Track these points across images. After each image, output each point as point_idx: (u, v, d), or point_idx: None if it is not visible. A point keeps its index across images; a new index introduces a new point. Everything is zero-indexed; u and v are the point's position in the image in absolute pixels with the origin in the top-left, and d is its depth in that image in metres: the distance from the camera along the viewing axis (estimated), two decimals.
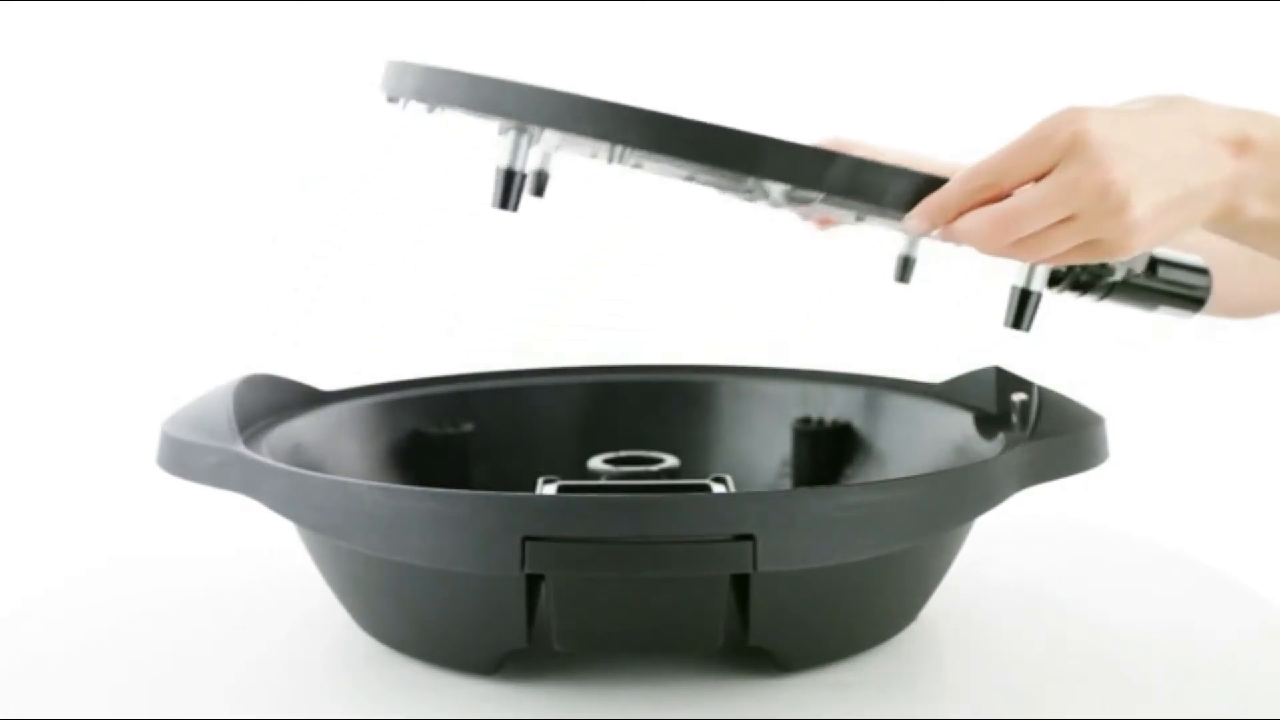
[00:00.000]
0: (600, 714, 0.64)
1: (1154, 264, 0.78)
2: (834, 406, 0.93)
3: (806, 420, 0.93)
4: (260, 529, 0.87)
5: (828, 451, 0.92)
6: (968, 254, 0.91)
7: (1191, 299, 0.80)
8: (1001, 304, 0.81)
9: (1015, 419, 0.78)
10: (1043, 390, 0.78)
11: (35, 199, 1.78)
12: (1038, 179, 0.58)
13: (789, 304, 1.78)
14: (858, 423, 0.92)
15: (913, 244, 0.88)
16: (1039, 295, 0.65)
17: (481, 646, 0.67)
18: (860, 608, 0.69)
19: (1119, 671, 0.70)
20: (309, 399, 0.88)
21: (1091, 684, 0.68)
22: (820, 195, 0.61)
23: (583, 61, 1.77)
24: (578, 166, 0.80)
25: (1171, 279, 0.79)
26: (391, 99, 0.70)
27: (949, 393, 0.89)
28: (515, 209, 0.67)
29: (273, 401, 0.84)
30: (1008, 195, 0.59)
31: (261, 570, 0.86)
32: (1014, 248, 0.59)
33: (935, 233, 0.61)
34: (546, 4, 1.78)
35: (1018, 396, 0.78)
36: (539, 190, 0.79)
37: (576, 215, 1.82)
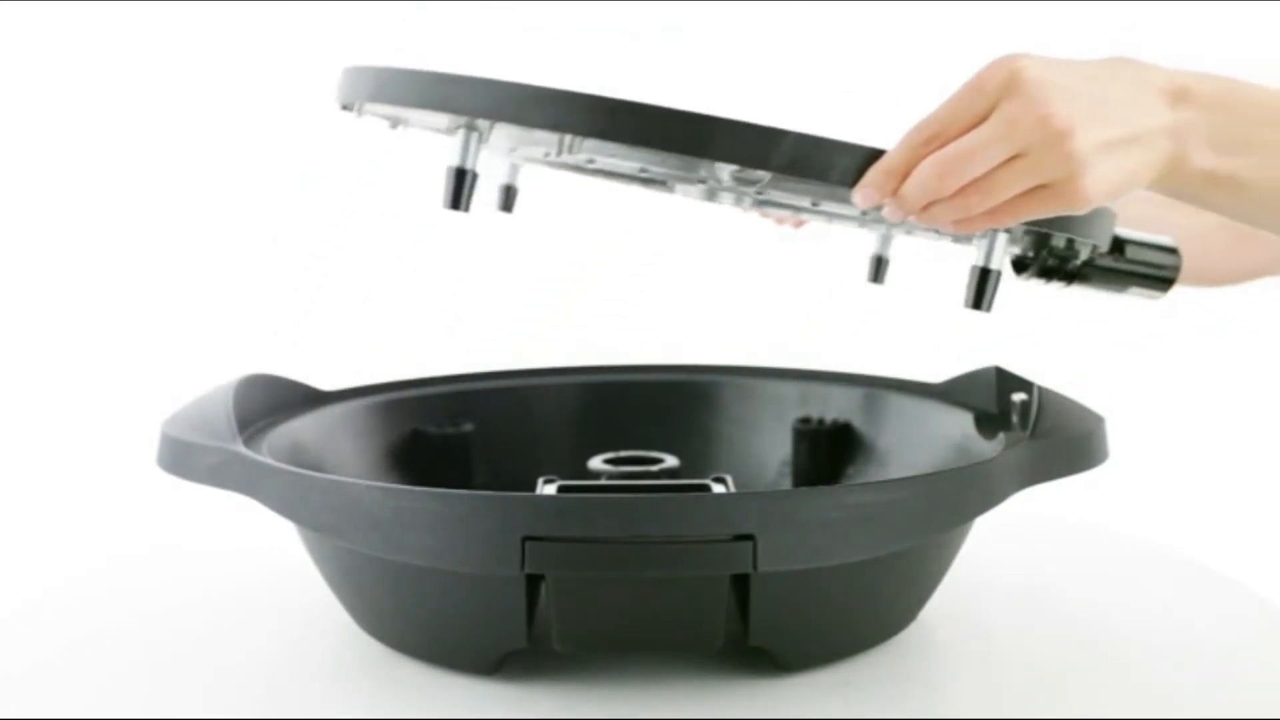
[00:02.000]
0: (600, 714, 0.64)
1: (1121, 244, 0.78)
2: (834, 406, 0.93)
3: (806, 420, 0.93)
4: (260, 529, 0.87)
5: (828, 451, 0.92)
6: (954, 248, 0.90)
7: (1160, 279, 0.79)
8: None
9: (1015, 419, 0.78)
10: (1043, 390, 0.78)
11: (35, 199, 1.78)
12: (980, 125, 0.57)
13: (789, 304, 1.78)
14: (858, 423, 0.92)
15: (885, 243, 0.88)
16: (998, 274, 0.64)
17: (481, 646, 0.67)
18: (860, 608, 0.69)
19: (1119, 671, 0.70)
20: (309, 399, 0.88)
21: (1091, 684, 0.68)
22: (767, 175, 0.60)
23: (574, 69, 1.78)
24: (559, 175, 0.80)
25: (1140, 259, 0.78)
26: (345, 106, 0.70)
27: (949, 393, 0.89)
28: (466, 209, 0.67)
29: (273, 401, 0.84)
30: None
31: (261, 570, 0.86)
32: (964, 195, 0.58)
33: (887, 211, 0.59)
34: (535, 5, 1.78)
35: (1018, 396, 0.78)
36: (508, 205, 0.79)
37: (577, 215, 1.82)
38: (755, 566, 0.60)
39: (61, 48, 1.74)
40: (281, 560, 0.83)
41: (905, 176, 0.58)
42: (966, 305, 0.64)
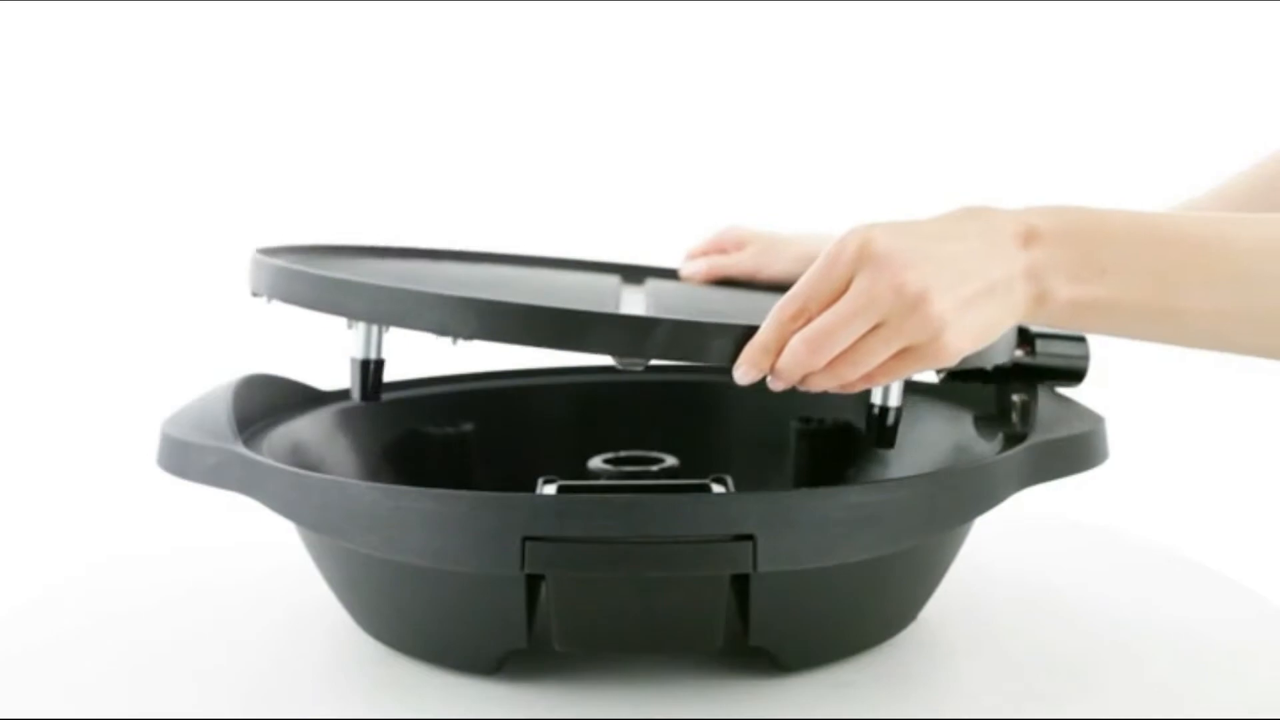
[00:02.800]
0: (600, 714, 0.64)
1: (1031, 339, 0.80)
2: (834, 406, 0.93)
3: (807, 420, 0.93)
4: (260, 529, 0.87)
5: (828, 451, 0.92)
6: None
7: (1073, 371, 0.81)
8: None
9: (1015, 419, 0.77)
10: (1043, 390, 0.78)
11: (35, 199, 1.78)
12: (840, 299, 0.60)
13: None
14: (859, 423, 0.92)
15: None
16: (898, 410, 0.68)
17: (481, 646, 0.67)
18: (860, 608, 0.69)
19: (1119, 671, 0.70)
20: (309, 399, 0.88)
21: (1091, 684, 0.68)
22: (645, 360, 0.63)
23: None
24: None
25: (1051, 352, 0.81)
26: (255, 294, 0.74)
27: (949, 393, 0.89)
28: (377, 399, 0.73)
29: (273, 401, 0.84)
30: None
31: (261, 570, 0.86)
32: (836, 366, 0.60)
33: (769, 383, 0.62)
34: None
35: (1018, 396, 0.78)
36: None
37: (576, 214, 1.82)
38: (755, 566, 0.60)
39: (62, 48, 1.74)
40: (281, 560, 0.83)
41: (779, 352, 0.61)
42: (874, 445, 0.68)
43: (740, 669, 0.68)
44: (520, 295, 0.73)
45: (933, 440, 0.85)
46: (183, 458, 0.73)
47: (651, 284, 0.98)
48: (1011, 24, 1.76)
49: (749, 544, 0.60)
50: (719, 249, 1.04)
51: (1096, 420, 0.76)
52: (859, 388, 0.62)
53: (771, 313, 0.61)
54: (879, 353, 0.60)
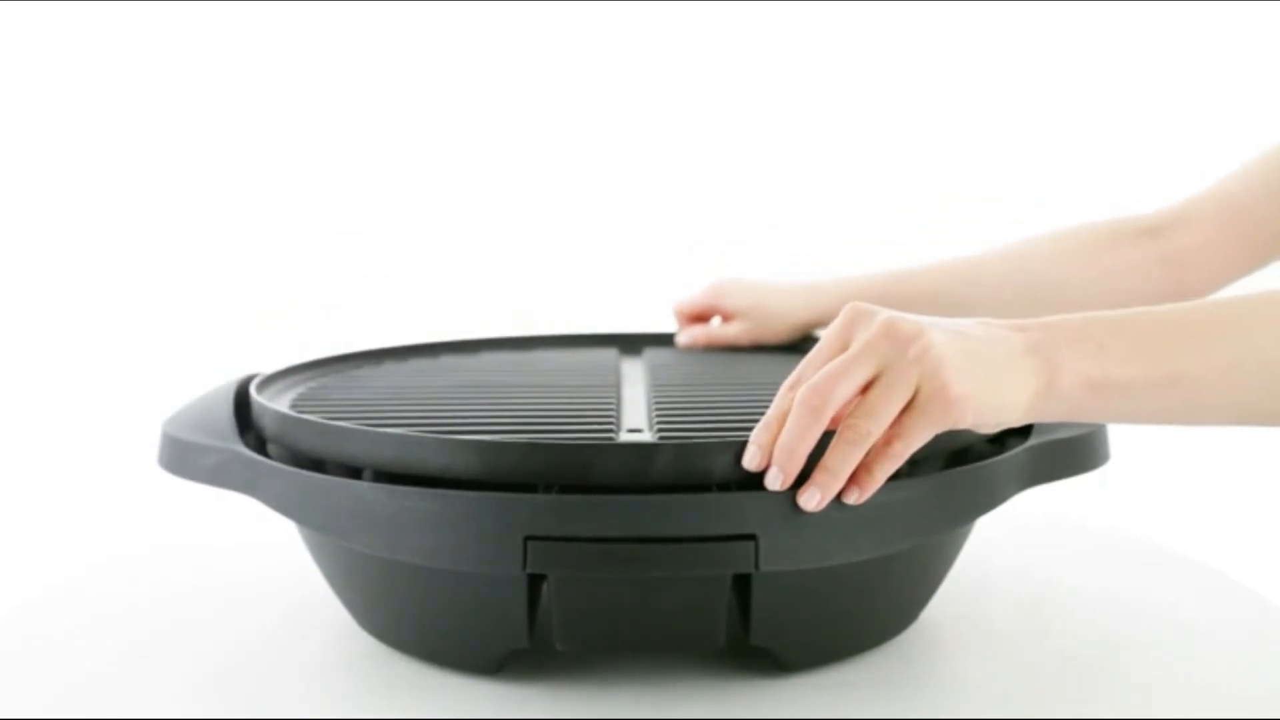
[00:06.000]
0: (601, 714, 0.64)
1: None
2: None
3: None
4: (260, 529, 0.87)
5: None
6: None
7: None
8: None
9: None
10: None
11: (37, 201, 1.79)
12: None
13: None
14: None
15: None
16: None
17: (483, 646, 0.67)
18: (861, 608, 0.69)
19: (1119, 671, 0.70)
20: None
21: (1092, 684, 0.68)
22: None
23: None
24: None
25: None
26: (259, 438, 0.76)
27: None
28: None
29: None
30: None
31: (261, 570, 0.86)
32: (852, 427, 0.59)
33: (770, 478, 0.61)
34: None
35: None
36: None
37: (579, 213, 1.83)
38: (757, 566, 0.60)
39: (64, 50, 1.74)
40: (282, 560, 0.83)
41: (780, 429, 0.61)
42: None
43: (741, 669, 0.68)
44: (522, 406, 0.76)
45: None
46: (184, 457, 0.73)
47: (649, 355, 0.99)
48: (1000, 25, 1.76)
49: (751, 544, 0.60)
50: (709, 312, 1.05)
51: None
52: (884, 466, 0.60)
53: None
54: (887, 399, 0.59)
